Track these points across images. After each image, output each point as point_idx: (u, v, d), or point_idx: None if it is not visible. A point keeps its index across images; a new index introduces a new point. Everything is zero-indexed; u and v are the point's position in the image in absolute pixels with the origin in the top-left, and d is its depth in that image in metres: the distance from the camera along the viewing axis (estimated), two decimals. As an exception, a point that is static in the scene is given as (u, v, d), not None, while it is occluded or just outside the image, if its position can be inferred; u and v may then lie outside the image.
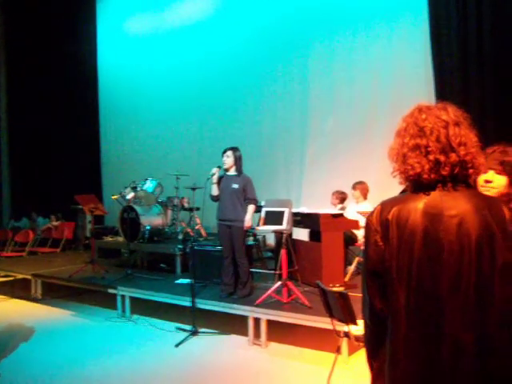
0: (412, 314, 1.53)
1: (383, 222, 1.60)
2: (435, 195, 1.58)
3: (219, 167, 5.72)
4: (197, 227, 8.10)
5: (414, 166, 1.60)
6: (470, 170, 1.59)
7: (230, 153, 5.64)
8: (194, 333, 5.43)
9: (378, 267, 1.61)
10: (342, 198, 7.06)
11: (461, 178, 1.59)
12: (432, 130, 1.59)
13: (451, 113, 1.62)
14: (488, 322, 1.49)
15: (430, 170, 1.57)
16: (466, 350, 1.48)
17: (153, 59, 11.31)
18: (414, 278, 1.53)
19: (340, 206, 7.01)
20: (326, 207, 6.77)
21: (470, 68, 6.75)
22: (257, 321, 5.17)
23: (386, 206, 1.63)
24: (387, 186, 7.14)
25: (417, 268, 1.53)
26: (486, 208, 1.54)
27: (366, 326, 1.70)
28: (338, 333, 3.77)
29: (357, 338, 3.48)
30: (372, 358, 1.69)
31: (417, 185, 1.62)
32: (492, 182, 2.26)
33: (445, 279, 1.51)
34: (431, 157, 1.57)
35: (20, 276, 8.27)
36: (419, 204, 1.57)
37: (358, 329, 3.42)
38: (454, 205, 1.55)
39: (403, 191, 1.68)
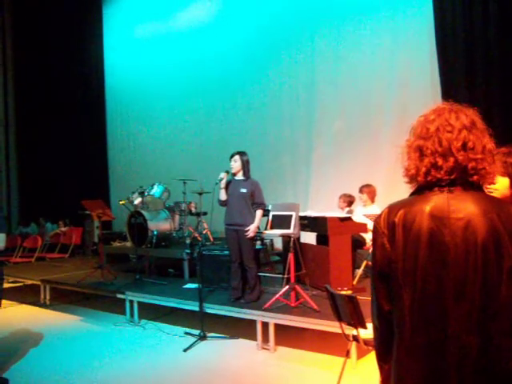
0: (416, 317, 1.53)
1: (390, 224, 1.60)
2: (442, 198, 1.56)
3: (227, 172, 5.72)
4: (204, 232, 8.11)
5: (411, 168, 1.60)
6: (475, 177, 1.56)
7: (237, 157, 5.64)
8: (203, 337, 5.43)
9: (385, 270, 1.61)
10: (349, 201, 7.04)
11: (468, 182, 1.57)
12: (436, 133, 1.58)
13: (462, 117, 1.60)
14: (493, 326, 1.48)
15: (426, 173, 1.57)
16: (470, 353, 1.47)
17: (158, 65, 11.36)
18: (418, 280, 1.53)
19: (347, 209, 6.98)
20: (334, 211, 6.76)
21: (477, 67, 6.72)
22: (265, 325, 5.16)
23: (393, 208, 1.63)
24: (394, 188, 7.16)
25: (421, 271, 1.52)
26: (495, 211, 1.52)
27: (375, 329, 1.70)
28: (346, 336, 3.75)
29: (366, 342, 3.46)
30: (382, 361, 1.69)
31: (421, 186, 1.62)
32: (495, 184, 2.24)
33: (450, 282, 1.50)
34: (428, 159, 1.57)
35: (29, 282, 8.31)
36: (426, 206, 1.56)
37: (367, 332, 3.40)
38: (461, 208, 1.53)
39: (412, 193, 1.68)
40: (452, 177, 1.55)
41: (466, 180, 1.56)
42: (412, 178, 1.62)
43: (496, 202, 1.60)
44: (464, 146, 1.55)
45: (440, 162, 1.55)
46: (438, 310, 1.50)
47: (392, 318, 1.61)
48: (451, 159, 1.55)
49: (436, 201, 1.56)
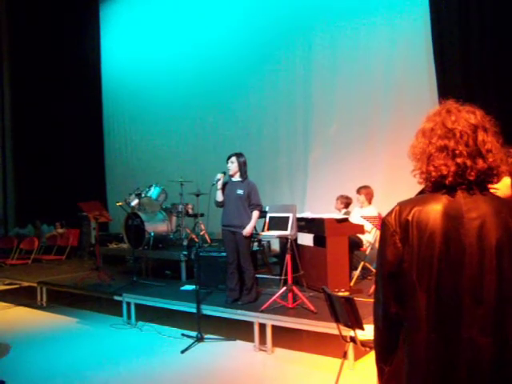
0: (432, 316, 1.52)
1: (402, 223, 1.58)
2: (455, 197, 1.56)
3: (224, 173, 5.73)
4: (201, 233, 8.10)
5: (440, 168, 1.58)
6: (495, 177, 1.59)
7: (234, 159, 5.65)
8: (200, 339, 5.42)
9: (396, 269, 1.59)
10: (346, 202, 7.05)
11: (483, 183, 1.58)
12: (462, 134, 1.57)
13: (479, 117, 1.61)
14: (508, 327, 1.47)
15: (456, 174, 1.56)
16: (485, 355, 1.47)
17: (155, 66, 11.33)
18: (434, 280, 1.52)
19: (344, 210, 6.99)
20: (331, 212, 6.76)
21: (473, 68, 6.72)
22: (262, 326, 5.16)
23: (404, 206, 1.61)
24: (392, 189, 7.16)
25: (437, 270, 1.52)
26: (506, 211, 1.53)
27: (378, 330, 1.68)
28: (344, 338, 3.75)
29: (363, 343, 3.46)
30: (383, 362, 1.67)
31: (437, 186, 1.61)
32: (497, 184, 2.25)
33: (465, 282, 1.49)
34: (459, 160, 1.56)
35: (25, 283, 8.27)
36: (439, 206, 1.56)
37: (364, 334, 3.41)
38: (475, 207, 1.54)
39: (420, 192, 1.67)
40: (481, 178, 1.56)
41: (486, 180, 1.58)
42: (439, 178, 1.59)
43: (506, 201, 1.61)
44: (488, 148, 1.57)
45: (469, 163, 1.55)
46: (453, 310, 1.50)
47: (397, 320, 1.60)
48: (480, 161, 1.55)
49: (449, 200, 1.56)
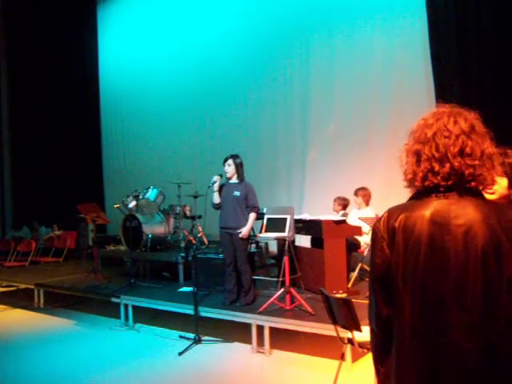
0: (416, 321, 1.52)
1: (390, 229, 1.60)
2: (443, 203, 1.56)
3: (220, 175, 5.73)
4: (199, 235, 8.10)
5: (408, 172, 1.61)
6: (472, 183, 1.56)
7: (230, 161, 5.64)
8: (197, 341, 5.42)
9: (384, 274, 1.60)
10: (344, 204, 7.05)
11: (466, 188, 1.56)
12: (433, 138, 1.57)
13: (461, 122, 1.59)
14: (493, 334, 1.47)
15: (423, 178, 1.57)
16: (469, 360, 1.46)
17: (153, 69, 11.34)
18: (418, 285, 1.52)
19: (342, 212, 6.99)
20: (328, 214, 6.77)
21: (471, 69, 6.74)
22: (260, 328, 5.15)
23: (393, 213, 1.62)
24: (389, 191, 7.17)
25: (421, 276, 1.52)
26: (495, 217, 1.51)
27: (373, 332, 1.70)
28: (341, 339, 3.76)
29: (361, 345, 3.46)
30: (379, 363, 1.69)
31: (419, 191, 1.61)
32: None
33: (450, 288, 1.49)
34: (424, 165, 1.57)
35: (23, 286, 8.26)
36: (426, 212, 1.56)
37: (362, 335, 3.41)
38: (462, 214, 1.52)
39: (411, 198, 1.68)
40: (449, 183, 1.54)
41: (464, 186, 1.56)
42: (410, 183, 1.62)
43: (497, 207, 1.58)
44: (461, 152, 1.54)
45: (436, 167, 1.55)
46: (438, 317, 1.50)
47: (390, 322, 1.61)
48: (447, 165, 1.54)
49: (436, 206, 1.56)
